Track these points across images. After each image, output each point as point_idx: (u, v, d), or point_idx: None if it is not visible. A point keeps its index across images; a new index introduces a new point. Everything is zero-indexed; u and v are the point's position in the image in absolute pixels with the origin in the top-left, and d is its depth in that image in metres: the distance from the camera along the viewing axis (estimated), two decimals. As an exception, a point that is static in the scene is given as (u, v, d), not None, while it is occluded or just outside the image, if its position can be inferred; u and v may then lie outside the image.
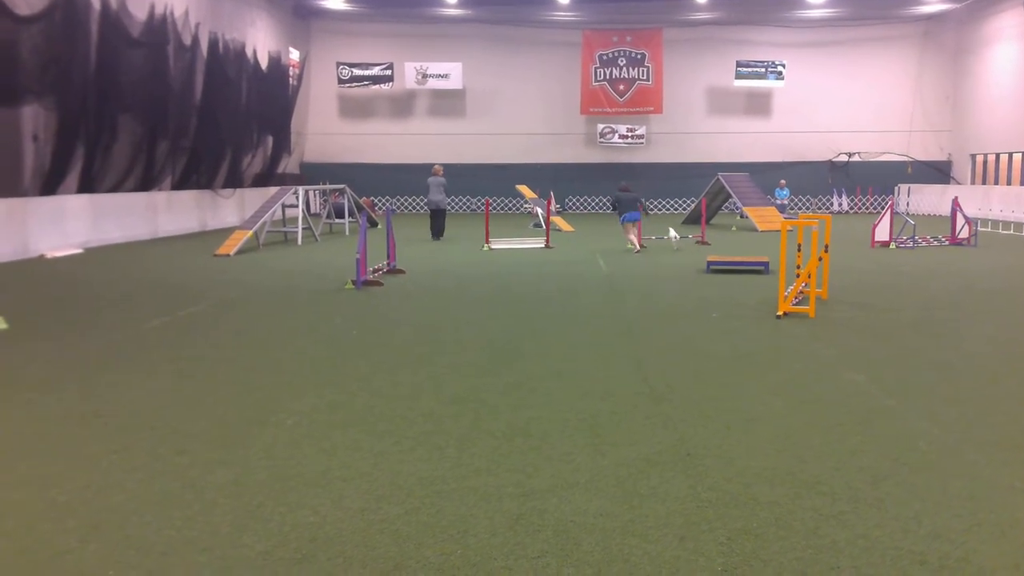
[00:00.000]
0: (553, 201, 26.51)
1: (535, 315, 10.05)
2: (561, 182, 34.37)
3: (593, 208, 36.56)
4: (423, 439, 5.26)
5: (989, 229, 23.37)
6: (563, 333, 8.88)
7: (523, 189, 27.60)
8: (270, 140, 31.12)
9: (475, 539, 3.82)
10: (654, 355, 7.76)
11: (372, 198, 32.87)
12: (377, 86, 36.35)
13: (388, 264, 13.85)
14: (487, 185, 35.09)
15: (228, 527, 3.97)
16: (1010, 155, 32.12)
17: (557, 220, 25.16)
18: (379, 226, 23.61)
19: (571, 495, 4.32)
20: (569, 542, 3.77)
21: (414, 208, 36.34)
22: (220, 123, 25.48)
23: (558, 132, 36.65)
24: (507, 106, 36.54)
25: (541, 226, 23.11)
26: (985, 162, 34.05)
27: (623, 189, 18.50)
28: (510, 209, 35.77)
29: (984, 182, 33.83)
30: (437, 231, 21.23)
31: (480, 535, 3.86)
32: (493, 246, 18.68)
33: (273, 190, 23.12)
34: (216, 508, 4.20)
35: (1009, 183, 31.95)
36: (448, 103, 36.70)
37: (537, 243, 19.56)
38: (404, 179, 36.00)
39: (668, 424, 5.57)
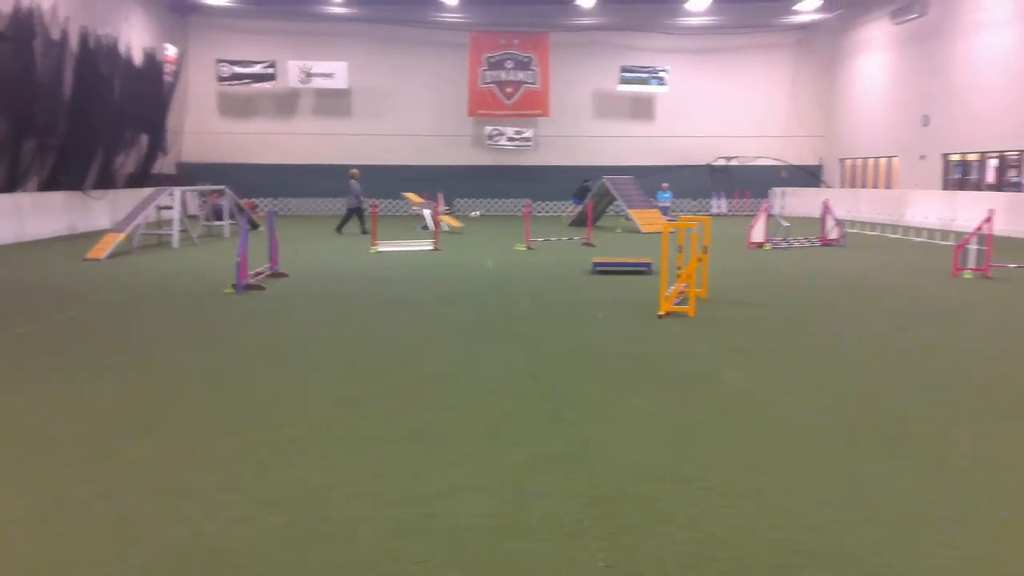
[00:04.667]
0: (442, 203, 26.54)
1: (424, 317, 10.00)
2: (450, 183, 34.28)
3: (482, 210, 36.64)
4: (309, 445, 5.15)
5: (857, 230, 24.61)
6: (453, 335, 8.87)
7: (411, 196, 27.47)
8: (144, 139, 29.93)
9: (361, 545, 3.76)
10: (543, 355, 7.83)
11: (254, 199, 32.04)
12: (259, 84, 35.47)
13: (270, 267, 13.53)
14: (375, 186, 34.63)
15: (103, 543, 3.79)
16: (876, 159, 33.94)
17: (446, 218, 25.13)
18: (260, 228, 23.03)
19: (460, 498, 4.31)
20: (456, 545, 3.76)
21: (302, 210, 35.64)
22: (91, 121, 24.35)
23: (447, 134, 36.60)
24: (395, 107, 36.25)
25: (429, 228, 23.04)
26: (854, 166, 35.87)
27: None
28: (399, 211, 35.50)
29: (853, 185, 35.62)
30: (362, 227, 23.73)
31: (366, 541, 3.80)
32: (381, 248, 18.49)
33: (147, 191, 22.21)
34: (90, 524, 4.00)
35: (876, 186, 33.77)
36: (334, 102, 36.13)
37: (426, 245, 19.46)
38: (289, 180, 35.24)
39: (556, 424, 5.62)
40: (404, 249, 18.83)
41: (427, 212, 24.44)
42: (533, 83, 36.61)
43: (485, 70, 36.52)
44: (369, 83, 35.94)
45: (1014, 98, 24.60)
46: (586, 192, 29.20)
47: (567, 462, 4.85)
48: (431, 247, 19.03)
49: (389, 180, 33.53)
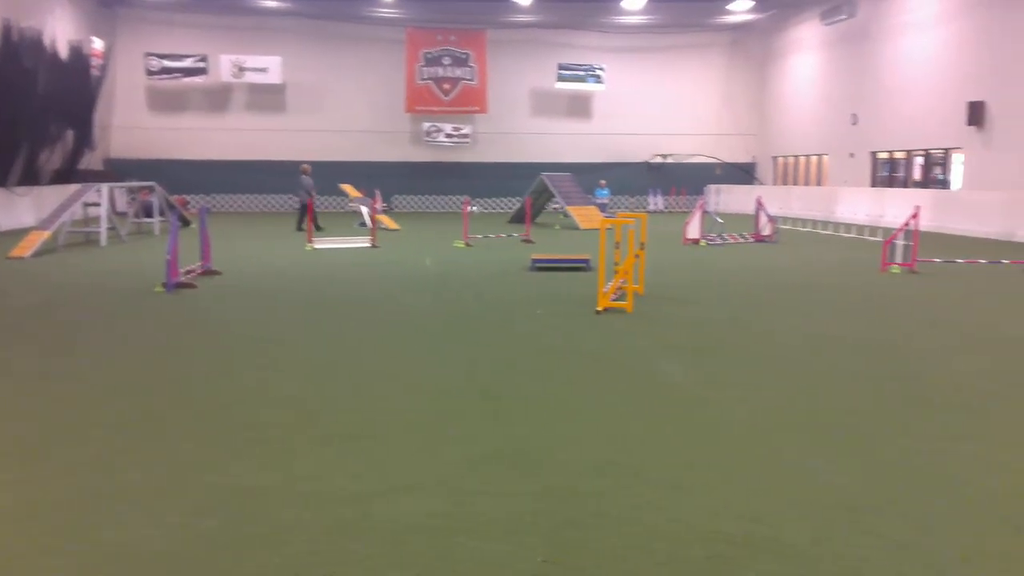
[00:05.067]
0: (380, 199, 26.33)
1: (362, 315, 9.90)
2: (388, 180, 33.98)
3: (421, 207, 36.53)
4: (247, 447, 5.05)
5: (789, 227, 25.13)
6: (393, 332, 8.80)
7: (347, 188, 27.16)
8: (71, 134, 29.05)
9: (299, 547, 3.70)
10: (483, 352, 7.82)
11: (186, 196, 31.37)
12: (190, 78, 34.73)
13: (202, 265, 13.25)
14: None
15: (31, 551, 3.66)
16: (807, 157, 34.70)
17: (383, 218, 24.93)
18: (192, 225, 22.56)
19: (401, 496, 4.27)
20: (396, 544, 3.73)
21: (236, 206, 35.05)
22: (15, 116, 23.51)
23: (384, 130, 36.29)
24: (330, 102, 35.82)
25: (367, 225, 22.84)
26: (786, 164, 36.63)
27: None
28: (335, 208, 35.11)
29: (785, 182, 36.38)
30: (298, 224, 23.24)
31: (304, 543, 3.74)
32: (317, 246, 18.25)
33: (74, 187, 21.57)
34: (17, 530, 3.86)
35: (807, 183, 34.53)
36: (268, 98, 35.54)
37: (363, 242, 19.28)
38: (222, 176, 34.61)
39: (498, 421, 5.62)
40: (341, 246, 18.63)
41: (364, 209, 24.22)
42: (471, 80, 36.56)
43: (422, 66, 36.33)
44: (304, 78, 35.47)
45: (938, 98, 25.39)
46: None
47: (508, 458, 4.85)
48: (368, 244, 18.86)
49: (325, 176, 33.06)
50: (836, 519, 4.00)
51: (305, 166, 24.22)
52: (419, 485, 4.42)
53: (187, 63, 34.55)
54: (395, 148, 36.51)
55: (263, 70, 34.72)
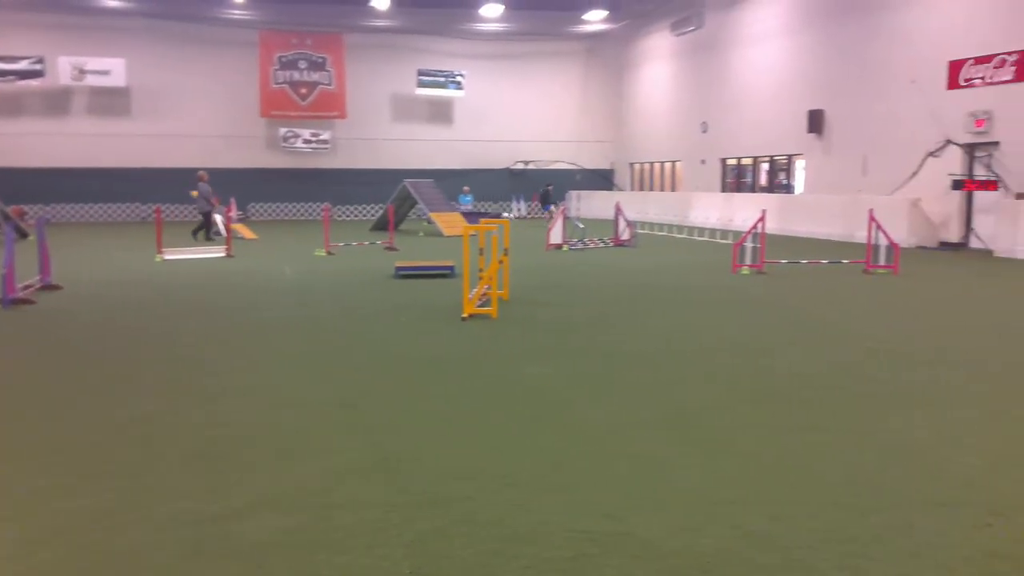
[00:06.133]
0: (234, 207, 25.53)
1: (216, 328, 9.53)
2: (243, 187, 32.94)
3: (279, 215, 35.60)
4: (90, 471, 4.74)
5: (647, 231, 25.92)
6: (249, 345, 8.51)
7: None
8: None
9: (150, 572, 3.50)
10: (345, 362, 7.67)
11: (23, 206, 29.45)
12: (25, 81, 32.67)
13: (41, 279, 12.46)
14: (160, 190, 32.80)
15: None
16: (662, 164, 35.92)
17: (239, 227, 24.17)
18: (30, 237, 21.19)
19: (259, 514, 4.11)
20: (253, 565, 3.58)
21: (79, 216, 33.17)
22: None
23: (237, 135, 35.19)
24: (180, 107, 34.46)
25: (221, 234, 22.08)
26: (642, 170, 37.79)
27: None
28: (186, 218, 33.76)
29: (642, 188, 37.52)
30: (197, 231, 22.92)
31: (156, 568, 3.54)
32: (167, 256, 17.48)
33: None
34: None
35: (663, 189, 35.74)
36: (111, 101, 33.86)
37: (217, 252, 18.60)
38: (62, 184, 32.72)
39: (361, 432, 5.50)
40: (193, 257, 17.92)
41: (218, 217, 23.41)
42: (328, 84, 35.99)
43: (277, 70, 35.50)
44: (150, 81, 33.99)
45: (781, 106, 26.81)
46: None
47: (370, 470, 4.75)
48: (223, 254, 18.22)
49: (175, 184, 31.81)
50: (693, 512, 4.12)
51: (202, 173, 23.39)
52: (278, 501, 4.27)
53: (22, 65, 32.54)
54: (250, 154, 35.49)
55: (105, 73, 33.09)
